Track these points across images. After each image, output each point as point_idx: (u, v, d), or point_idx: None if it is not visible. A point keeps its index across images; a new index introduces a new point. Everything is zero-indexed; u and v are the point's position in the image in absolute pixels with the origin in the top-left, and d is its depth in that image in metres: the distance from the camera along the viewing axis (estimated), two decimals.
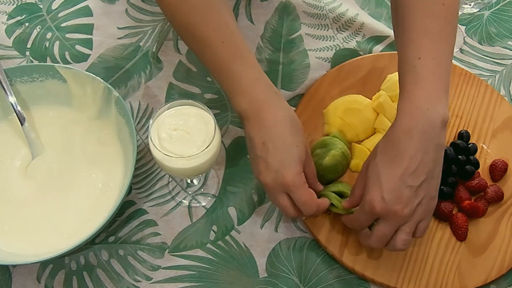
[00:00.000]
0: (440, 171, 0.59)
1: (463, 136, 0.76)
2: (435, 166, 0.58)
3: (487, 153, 0.77)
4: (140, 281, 0.66)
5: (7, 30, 0.85)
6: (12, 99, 0.69)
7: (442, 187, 0.71)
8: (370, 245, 0.62)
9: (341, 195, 0.70)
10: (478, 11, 0.88)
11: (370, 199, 0.58)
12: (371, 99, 0.78)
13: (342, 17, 0.90)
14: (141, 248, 0.68)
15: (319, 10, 0.91)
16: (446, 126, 0.58)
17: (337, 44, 0.87)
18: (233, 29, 0.61)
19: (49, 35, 0.85)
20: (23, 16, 0.87)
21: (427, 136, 0.57)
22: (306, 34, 0.88)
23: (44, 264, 0.67)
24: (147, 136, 0.65)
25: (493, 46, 0.90)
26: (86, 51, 0.84)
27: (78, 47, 0.84)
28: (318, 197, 0.71)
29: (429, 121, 0.57)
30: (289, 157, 0.59)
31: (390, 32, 0.88)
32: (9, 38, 0.84)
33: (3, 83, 0.69)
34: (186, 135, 0.60)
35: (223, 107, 0.79)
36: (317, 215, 0.69)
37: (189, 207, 0.71)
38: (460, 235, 0.69)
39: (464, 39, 0.90)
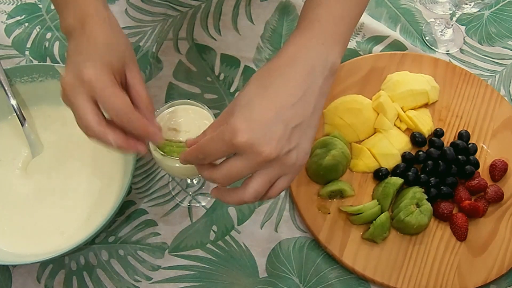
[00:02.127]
0: (317, 125, 0.51)
1: (463, 136, 0.76)
2: (314, 113, 0.49)
3: (487, 153, 0.77)
4: (140, 281, 0.66)
5: (6, 29, 0.85)
6: (13, 101, 0.69)
7: (442, 187, 0.71)
8: (213, 179, 0.49)
9: (341, 193, 0.70)
10: (478, 11, 0.88)
11: (235, 126, 0.46)
12: (371, 99, 0.78)
13: None
14: (141, 248, 0.68)
15: None
16: (333, 79, 0.51)
17: None
18: None
19: (48, 35, 0.85)
20: (23, 16, 0.87)
21: (314, 72, 0.49)
22: None
23: (44, 264, 0.67)
24: None
25: (493, 46, 0.90)
26: None
27: None
28: (319, 197, 0.71)
29: (320, 57, 0.49)
30: (94, 54, 0.50)
31: (390, 32, 0.88)
32: (9, 38, 0.84)
33: (4, 85, 0.69)
34: (186, 135, 0.59)
35: (223, 107, 0.79)
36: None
37: (189, 207, 0.71)
38: (460, 235, 0.69)
39: (464, 39, 0.90)
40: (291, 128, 0.47)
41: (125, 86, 0.53)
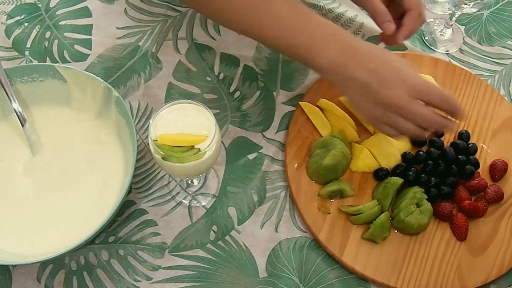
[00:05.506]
0: None
1: (463, 136, 0.76)
2: None
3: (487, 153, 0.77)
4: (140, 281, 0.66)
5: (6, 30, 0.85)
6: (15, 105, 0.69)
7: (442, 187, 0.71)
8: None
9: (341, 193, 0.70)
10: (478, 11, 0.88)
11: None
12: None
13: (341, 17, 0.90)
14: (141, 248, 0.68)
15: (319, 10, 0.91)
16: None
17: None
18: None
19: (48, 34, 0.85)
20: (23, 16, 0.87)
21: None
22: None
23: (44, 264, 0.67)
24: (147, 136, 0.65)
25: (492, 46, 0.90)
26: (85, 51, 0.84)
27: (77, 47, 0.84)
28: (319, 197, 0.71)
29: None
30: (402, 64, 0.62)
31: None
32: (9, 38, 0.84)
33: (4, 85, 0.69)
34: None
35: (223, 107, 0.79)
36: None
37: (189, 207, 0.71)
38: (460, 235, 0.69)
39: (463, 39, 0.90)
40: None
41: None
